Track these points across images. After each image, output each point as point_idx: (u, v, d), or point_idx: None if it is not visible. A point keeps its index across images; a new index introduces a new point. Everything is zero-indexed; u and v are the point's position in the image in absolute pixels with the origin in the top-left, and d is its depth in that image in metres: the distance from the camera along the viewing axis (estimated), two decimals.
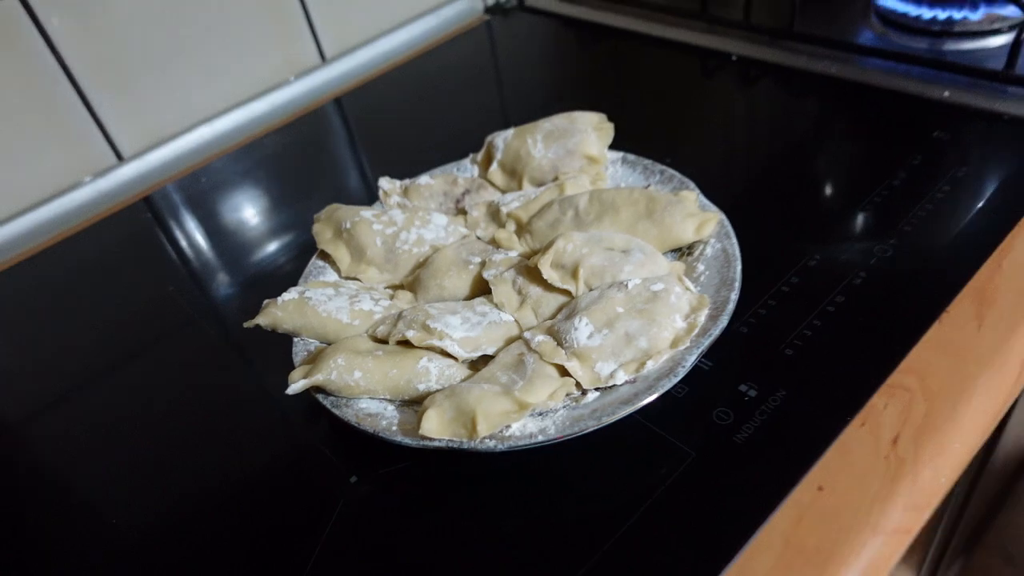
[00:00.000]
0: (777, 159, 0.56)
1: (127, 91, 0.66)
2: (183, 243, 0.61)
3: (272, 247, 0.57)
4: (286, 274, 0.52)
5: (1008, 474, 1.06)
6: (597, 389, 0.36)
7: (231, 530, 0.37)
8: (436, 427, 0.34)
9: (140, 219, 0.65)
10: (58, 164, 0.65)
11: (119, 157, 0.68)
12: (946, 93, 0.54)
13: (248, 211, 0.62)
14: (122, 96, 0.66)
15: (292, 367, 0.40)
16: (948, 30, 0.59)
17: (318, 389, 0.38)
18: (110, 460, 0.43)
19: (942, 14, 0.59)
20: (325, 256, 0.47)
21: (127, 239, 0.63)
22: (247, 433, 0.43)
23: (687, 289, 0.39)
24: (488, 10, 0.86)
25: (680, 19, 0.72)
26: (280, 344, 0.42)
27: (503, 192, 0.51)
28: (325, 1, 0.74)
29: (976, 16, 0.58)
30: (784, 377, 0.38)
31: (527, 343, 0.38)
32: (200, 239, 0.60)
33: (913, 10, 0.60)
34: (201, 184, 0.66)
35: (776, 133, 0.59)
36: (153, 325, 0.52)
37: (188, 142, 0.70)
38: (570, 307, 0.39)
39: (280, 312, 0.41)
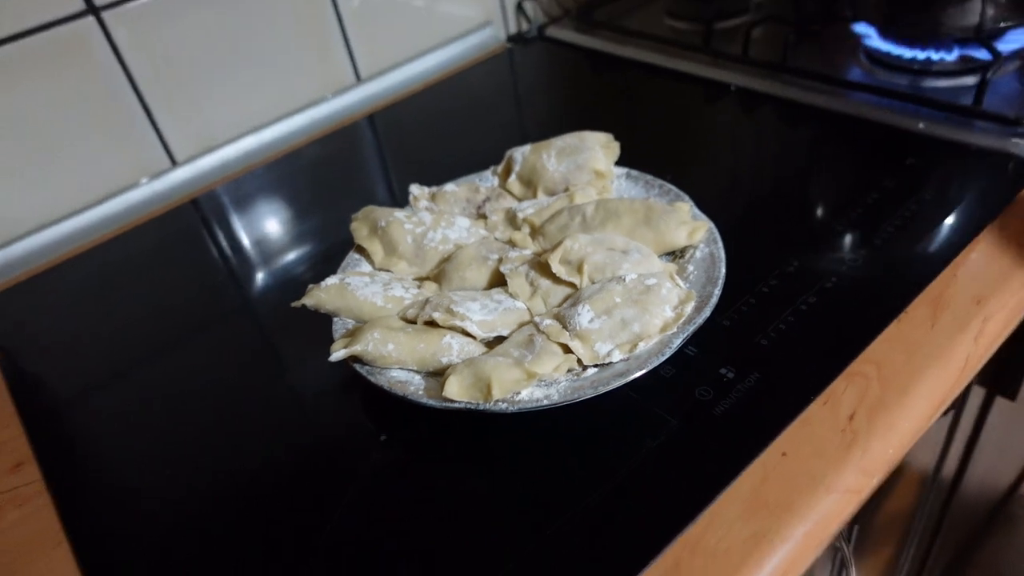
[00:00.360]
0: (766, 178, 0.62)
1: (184, 102, 0.73)
2: (229, 240, 0.67)
3: (309, 244, 0.64)
4: (322, 268, 0.59)
5: (993, 500, 1.10)
6: (595, 365, 0.42)
7: (278, 479, 0.43)
8: (457, 391, 0.40)
9: (190, 218, 0.71)
10: (119, 165, 0.72)
11: (173, 161, 0.75)
12: (921, 125, 0.60)
13: (288, 213, 0.69)
14: (179, 106, 0.73)
15: (330, 344, 0.46)
16: (927, 69, 0.66)
17: (355, 359, 0.44)
18: (170, 424, 0.49)
19: (922, 54, 0.65)
20: (361, 250, 0.53)
21: (178, 236, 0.69)
22: (291, 401, 0.49)
23: (677, 285, 0.45)
24: (510, 39, 0.93)
25: (685, 52, 0.79)
26: (318, 328, 0.48)
27: (519, 200, 0.57)
28: (362, 27, 0.82)
29: (951, 57, 0.64)
30: (759, 363, 0.43)
31: (537, 326, 0.44)
32: (244, 237, 0.67)
33: (895, 50, 0.67)
34: (246, 188, 0.73)
35: (767, 156, 0.65)
36: (204, 310, 0.59)
37: (235, 150, 0.77)
38: (575, 297, 0.45)
39: (323, 295, 0.47)
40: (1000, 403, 0.70)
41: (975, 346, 0.44)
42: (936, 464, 0.68)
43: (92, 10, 0.65)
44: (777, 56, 0.72)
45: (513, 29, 0.94)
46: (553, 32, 0.91)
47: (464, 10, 0.90)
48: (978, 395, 0.66)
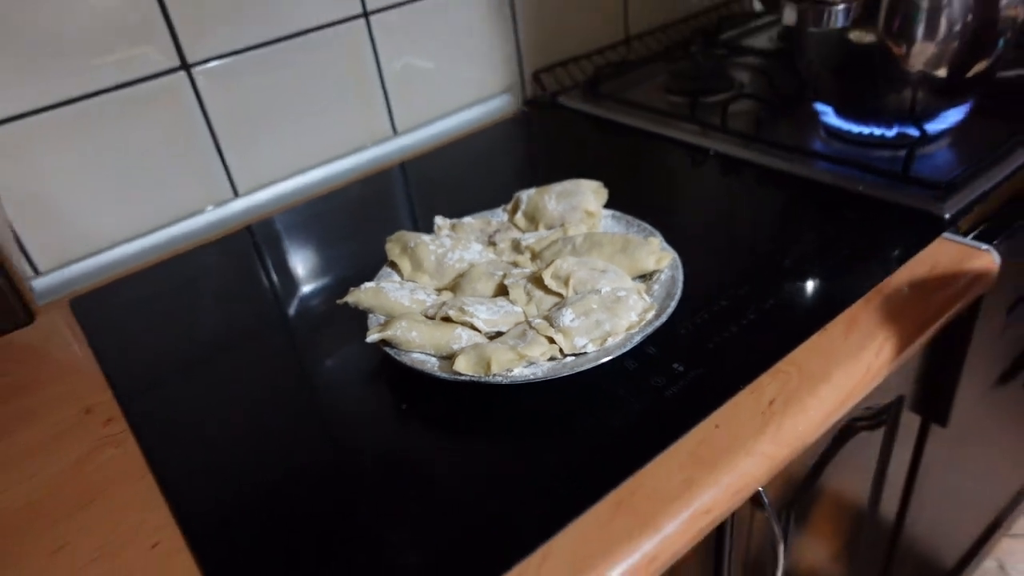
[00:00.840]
0: (733, 224, 0.74)
1: (249, 143, 0.87)
2: (278, 260, 0.80)
3: (346, 266, 0.76)
4: (359, 281, 0.71)
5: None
6: (574, 354, 0.54)
7: (323, 438, 0.55)
8: (464, 366, 0.51)
9: (245, 241, 0.84)
10: (191, 194, 0.86)
11: (235, 193, 0.88)
12: (861, 187, 0.73)
13: (330, 240, 0.82)
14: (245, 146, 0.87)
15: (363, 342, 0.57)
16: (870, 141, 0.78)
17: (385, 343, 0.56)
18: (226, 393, 0.61)
19: (867, 130, 0.78)
20: (393, 265, 0.66)
21: (235, 255, 0.82)
22: (332, 384, 0.60)
23: (642, 298, 0.57)
24: (526, 104, 1.08)
25: (675, 121, 0.92)
26: (352, 327, 0.60)
27: (524, 232, 0.69)
28: (400, 89, 0.96)
29: (891, 133, 0.77)
30: (705, 361, 0.55)
31: (529, 323, 0.55)
32: (291, 258, 0.80)
33: (846, 125, 0.80)
34: (296, 218, 0.87)
35: (736, 208, 0.77)
36: (256, 314, 0.71)
37: (288, 186, 0.91)
38: (561, 303, 0.57)
39: (362, 295, 0.59)
40: (938, 435, 0.80)
41: (876, 359, 0.55)
42: (874, 486, 0.77)
43: (184, 67, 0.80)
44: (751, 128, 0.85)
45: (530, 95, 1.09)
46: (564, 100, 1.05)
47: (488, 78, 1.04)
48: (914, 422, 0.76)
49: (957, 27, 0.70)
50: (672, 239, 0.65)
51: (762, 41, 1.12)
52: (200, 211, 0.87)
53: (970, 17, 0.69)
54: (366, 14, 0.90)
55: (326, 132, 0.93)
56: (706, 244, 0.71)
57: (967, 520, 1.13)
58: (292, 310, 0.71)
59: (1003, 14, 0.70)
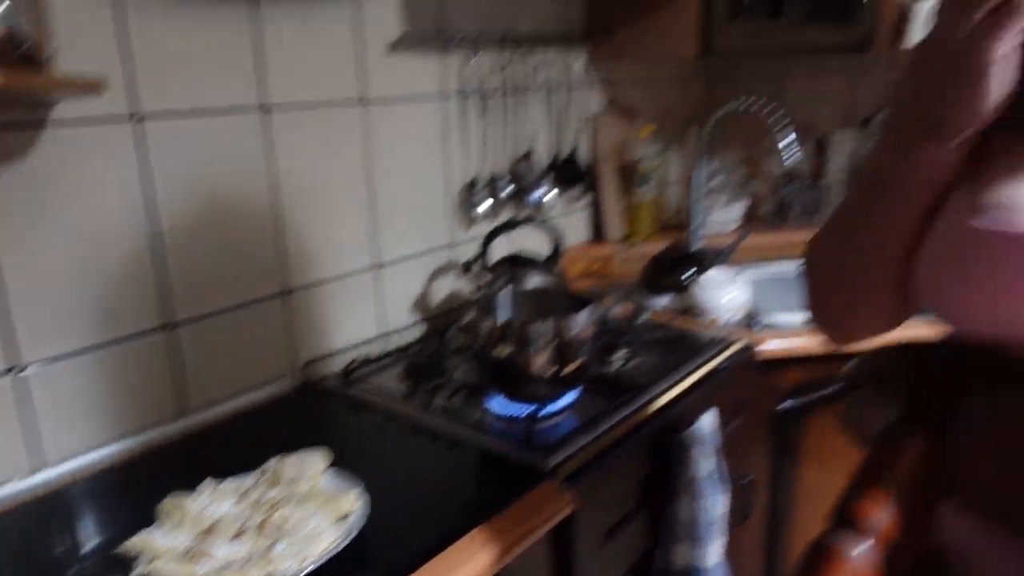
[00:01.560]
0: (424, 477, 1.07)
1: (62, 420, 1.11)
2: (70, 522, 1.01)
3: (131, 520, 0.99)
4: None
5: None
6: (283, 573, 0.81)
7: None
8: None
9: (43, 509, 1.05)
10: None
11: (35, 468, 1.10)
12: (505, 451, 1.10)
13: (117, 503, 1.05)
14: (58, 424, 1.10)
15: None
16: (514, 419, 1.18)
17: None
18: None
19: (515, 410, 1.18)
20: (166, 516, 0.91)
21: (33, 520, 1.02)
22: None
23: (335, 532, 0.87)
24: (296, 388, 1.41)
25: (401, 402, 1.28)
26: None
27: (268, 489, 0.98)
28: (199, 366, 1.26)
29: (524, 413, 1.17)
30: (379, 571, 0.84)
31: (255, 555, 0.83)
32: (82, 520, 1.01)
33: (499, 408, 1.20)
34: (89, 487, 1.09)
35: (432, 465, 1.11)
36: (50, 570, 0.91)
37: (85, 460, 1.13)
38: (278, 538, 0.85)
39: (136, 541, 0.84)
40: None
41: (489, 559, 0.87)
42: None
43: (15, 369, 1.05)
44: (450, 407, 1.23)
45: (300, 380, 1.42)
46: (327, 383, 1.39)
47: (266, 364, 1.37)
48: None
49: (552, 345, 1.14)
50: (377, 488, 0.96)
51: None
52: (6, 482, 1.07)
53: (558, 339, 1.14)
54: (175, 325, 1.22)
55: (129, 410, 1.18)
56: (401, 492, 1.03)
57: None
58: (78, 561, 0.92)
59: (577, 336, 1.16)
